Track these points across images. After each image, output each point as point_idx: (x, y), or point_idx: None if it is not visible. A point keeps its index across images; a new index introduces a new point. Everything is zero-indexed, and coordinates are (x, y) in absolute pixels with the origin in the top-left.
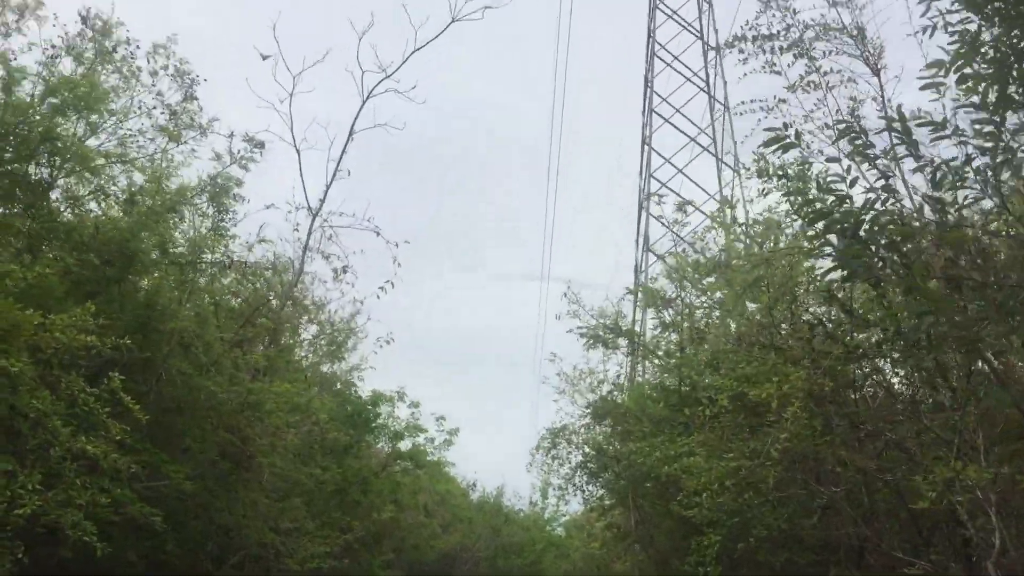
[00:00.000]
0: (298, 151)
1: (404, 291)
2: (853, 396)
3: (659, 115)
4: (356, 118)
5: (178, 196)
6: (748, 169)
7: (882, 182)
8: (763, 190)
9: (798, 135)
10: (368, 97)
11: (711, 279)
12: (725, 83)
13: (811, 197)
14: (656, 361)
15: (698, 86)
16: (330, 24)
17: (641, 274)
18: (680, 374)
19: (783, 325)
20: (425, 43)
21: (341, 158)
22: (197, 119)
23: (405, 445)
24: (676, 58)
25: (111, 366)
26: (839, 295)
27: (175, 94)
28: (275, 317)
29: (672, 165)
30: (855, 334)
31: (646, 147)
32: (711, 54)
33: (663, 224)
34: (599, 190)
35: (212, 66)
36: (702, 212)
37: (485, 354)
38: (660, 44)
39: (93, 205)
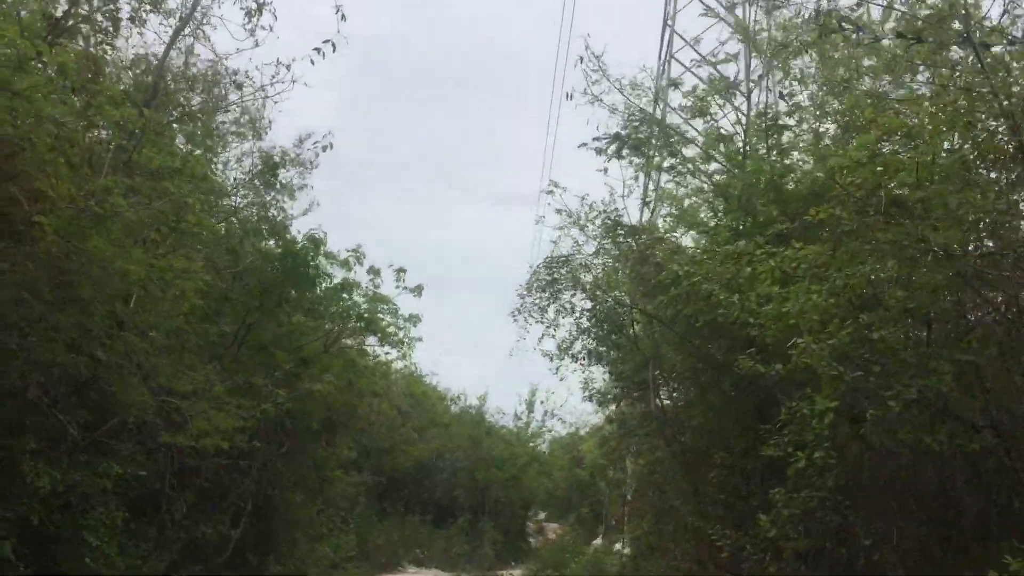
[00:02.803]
0: None
1: (394, 210)
2: None
3: None
4: None
5: None
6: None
7: None
8: None
9: None
10: None
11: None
12: None
13: None
14: (712, 168)
15: None
16: None
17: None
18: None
19: None
20: None
21: None
22: None
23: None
24: None
25: None
26: None
27: None
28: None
29: (694, 49)
30: None
31: (668, 28)
32: None
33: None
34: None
35: None
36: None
37: (477, 276)
38: None
39: None
